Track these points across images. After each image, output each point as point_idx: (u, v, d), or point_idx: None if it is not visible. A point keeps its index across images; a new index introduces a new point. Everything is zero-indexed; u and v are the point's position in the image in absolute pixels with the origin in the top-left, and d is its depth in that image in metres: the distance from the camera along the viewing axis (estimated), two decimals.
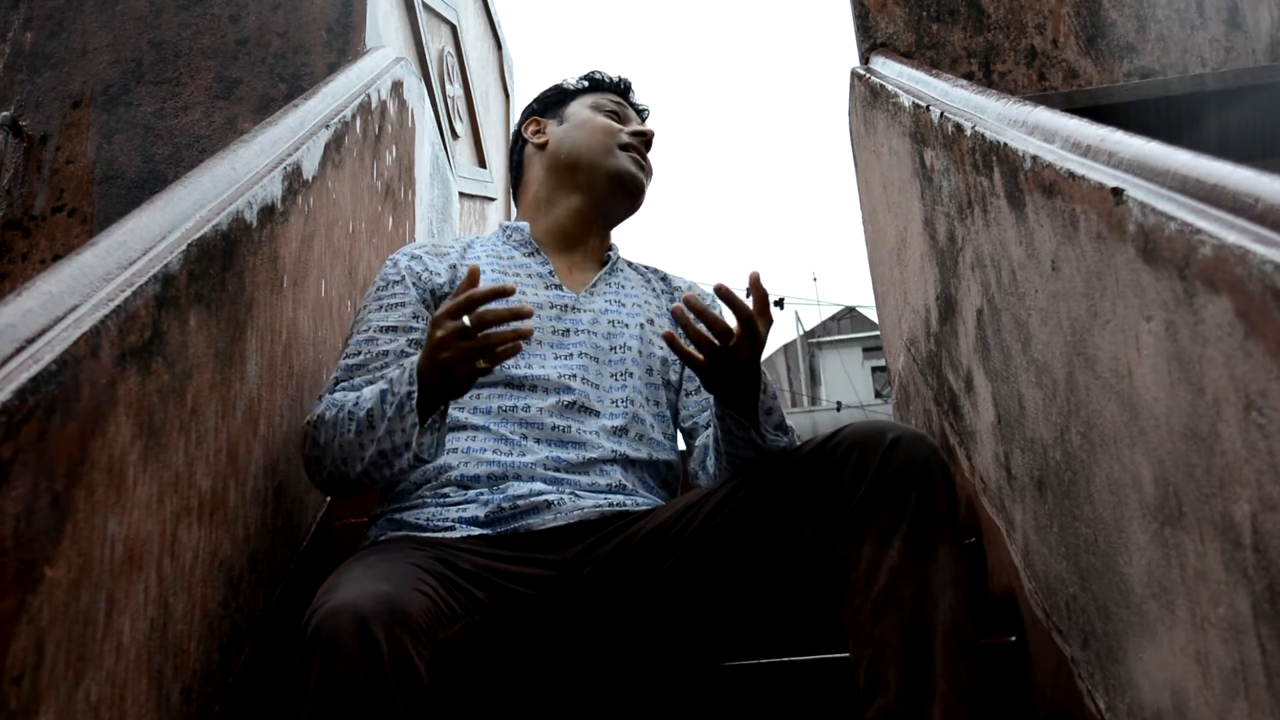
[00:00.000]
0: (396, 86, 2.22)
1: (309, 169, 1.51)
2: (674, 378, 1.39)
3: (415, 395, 1.09)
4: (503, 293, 1.05)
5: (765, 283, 1.10)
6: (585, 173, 1.45)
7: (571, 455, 1.22)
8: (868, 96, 2.01)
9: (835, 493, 1.05)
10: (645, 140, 1.49)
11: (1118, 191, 0.78)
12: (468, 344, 1.05)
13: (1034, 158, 0.98)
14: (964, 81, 1.51)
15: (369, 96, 1.95)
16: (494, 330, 1.05)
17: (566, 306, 1.36)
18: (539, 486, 1.18)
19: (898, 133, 1.71)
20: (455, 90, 3.29)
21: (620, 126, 1.48)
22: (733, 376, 1.09)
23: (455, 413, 1.26)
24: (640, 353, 1.36)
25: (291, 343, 1.41)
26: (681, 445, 1.41)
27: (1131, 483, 0.79)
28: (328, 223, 1.62)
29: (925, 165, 1.51)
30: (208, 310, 1.08)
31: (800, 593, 1.22)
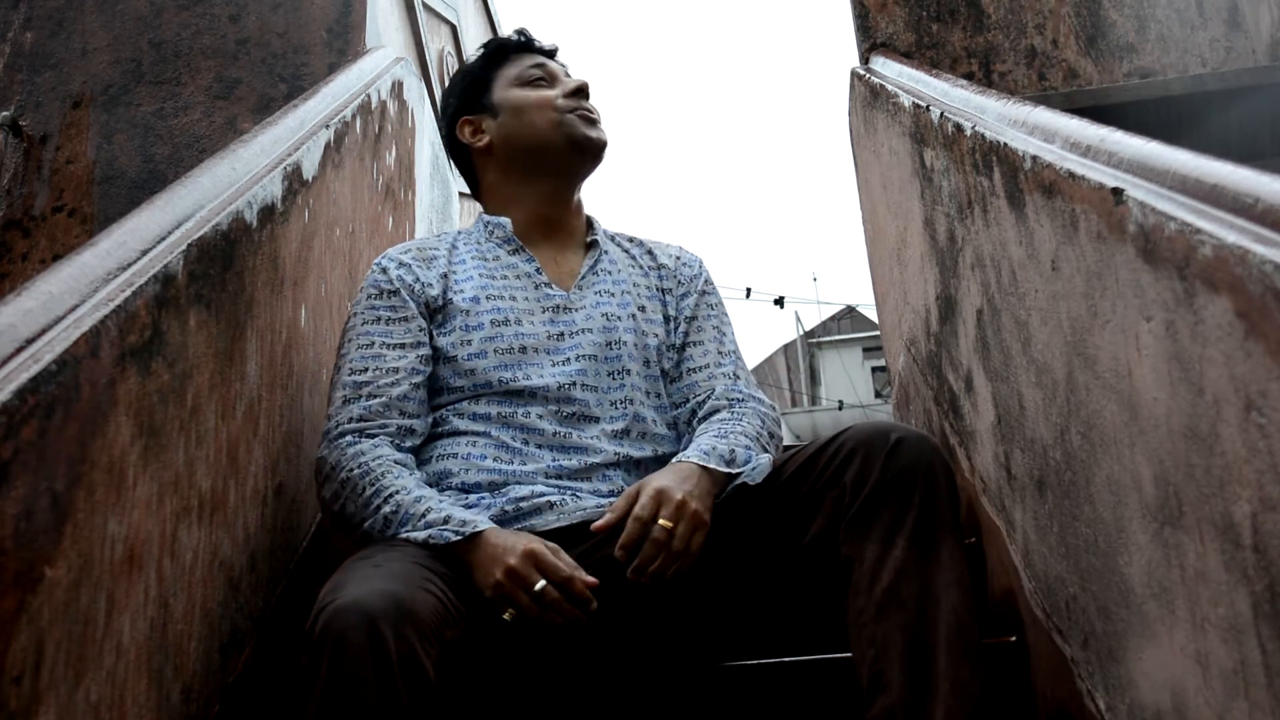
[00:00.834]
0: (396, 86, 2.22)
1: (309, 169, 1.51)
2: (667, 365, 1.36)
3: (445, 540, 1.08)
4: (589, 593, 1.04)
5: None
6: (545, 155, 1.41)
7: (573, 461, 1.22)
8: (868, 96, 2.00)
9: (839, 493, 1.05)
10: (584, 92, 1.43)
11: (1118, 191, 0.78)
12: (525, 595, 1.03)
13: (1034, 158, 0.98)
14: (964, 81, 1.51)
15: (369, 97, 1.95)
16: (549, 595, 1.03)
17: (559, 307, 1.33)
18: (541, 489, 1.18)
19: (898, 133, 1.71)
20: None
21: (555, 92, 1.42)
22: (689, 539, 1.08)
23: (455, 420, 1.25)
24: (636, 345, 1.33)
25: (291, 343, 1.41)
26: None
27: (1131, 483, 0.79)
28: (328, 223, 1.62)
29: (925, 165, 1.51)
30: (208, 310, 1.08)
31: (803, 593, 1.23)
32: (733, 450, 1.17)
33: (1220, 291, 0.62)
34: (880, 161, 1.92)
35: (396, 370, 1.25)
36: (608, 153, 1.45)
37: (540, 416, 1.24)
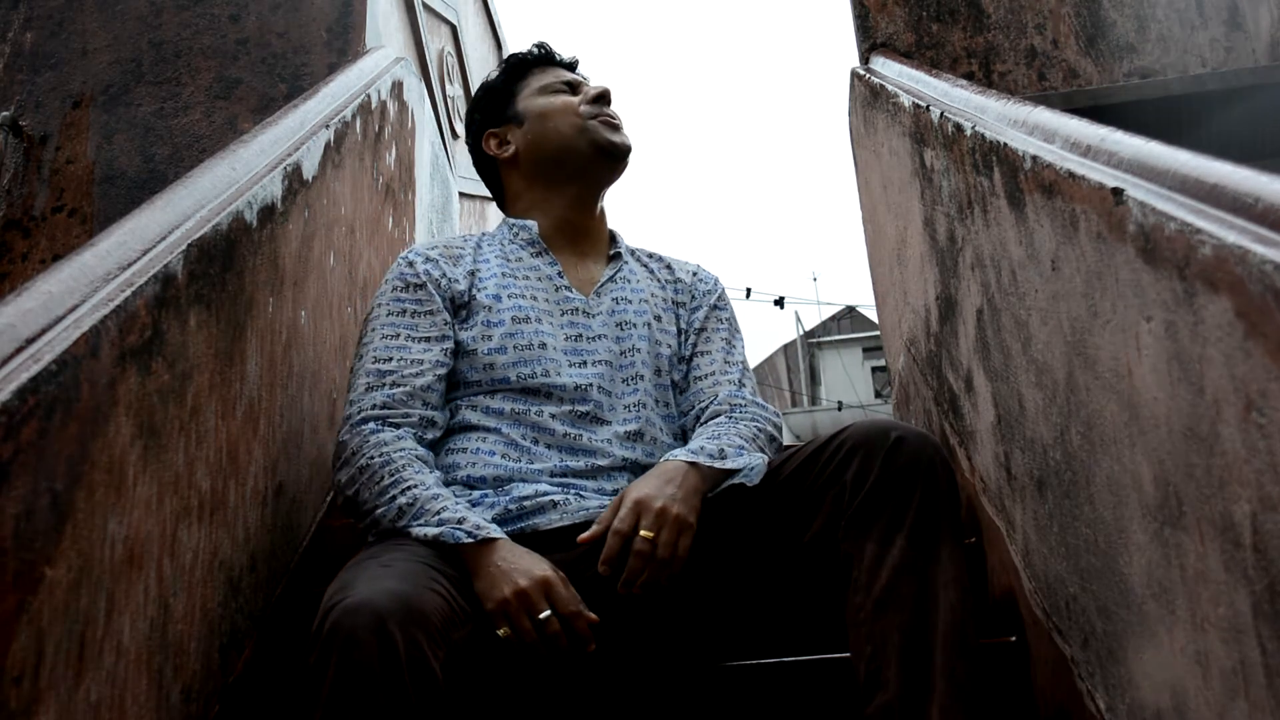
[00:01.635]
0: (396, 86, 2.22)
1: (309, 169, 1.51)
2: (677, 377, 1.38)
3: (455, 540, 1.07)
4: (590, 633, 1.05)
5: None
6: (570, 161, 1.42)
7: (580, 463, 1.22)
8: (868, 96, 2.00)
9: (839, 491, 1.05)
10: (606, 99, 1.46)
11: (1118, 191, 0.78)
12: (528, 620, 1.03)
13: (1034, 158, 0.98)
14: (964, 81, 1.51)
15: (369, 96, 1.95)
16: (551, 627, 1.03)
17: (577, 310, 1.35)
18: (544, 488, 1.18)
19: (898, 133, 1.71)
20: (455, 90, 3.29)
21: (576, 99, 1.45)
22: (675, 547, 1.08)
23: (468, 413, 1.26)
24: (649, 353, 1.35)
25: (291, 343, 1.41)
26: None
27: (1131, 483, 0.79)
28: (328, 223, 1.62)
29: (925, 165, 1.51)
30: (208, 310, 1.08)
31: (804, 592, 1.23)
32: (722, 449, 1.17)
33: (1220, 291, 0.62)
34: (880, 161, 1.92)
35: (421, 362, 1.25)
36: (631, 159, 1.47)
37: (553, 416, 1.24)
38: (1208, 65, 2.06)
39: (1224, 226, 0.63)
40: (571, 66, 1.53)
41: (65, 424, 0.76)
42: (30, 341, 0.76)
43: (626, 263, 1.46)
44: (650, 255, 1.52)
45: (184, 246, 1.02)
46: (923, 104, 1.51)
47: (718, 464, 1.15)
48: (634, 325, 1.37)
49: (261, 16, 2.21)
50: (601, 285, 1.40)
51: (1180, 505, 0.71)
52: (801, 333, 19.91)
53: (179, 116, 2.14)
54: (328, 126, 1.64)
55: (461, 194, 3.17)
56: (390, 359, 1.26)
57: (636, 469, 1.25)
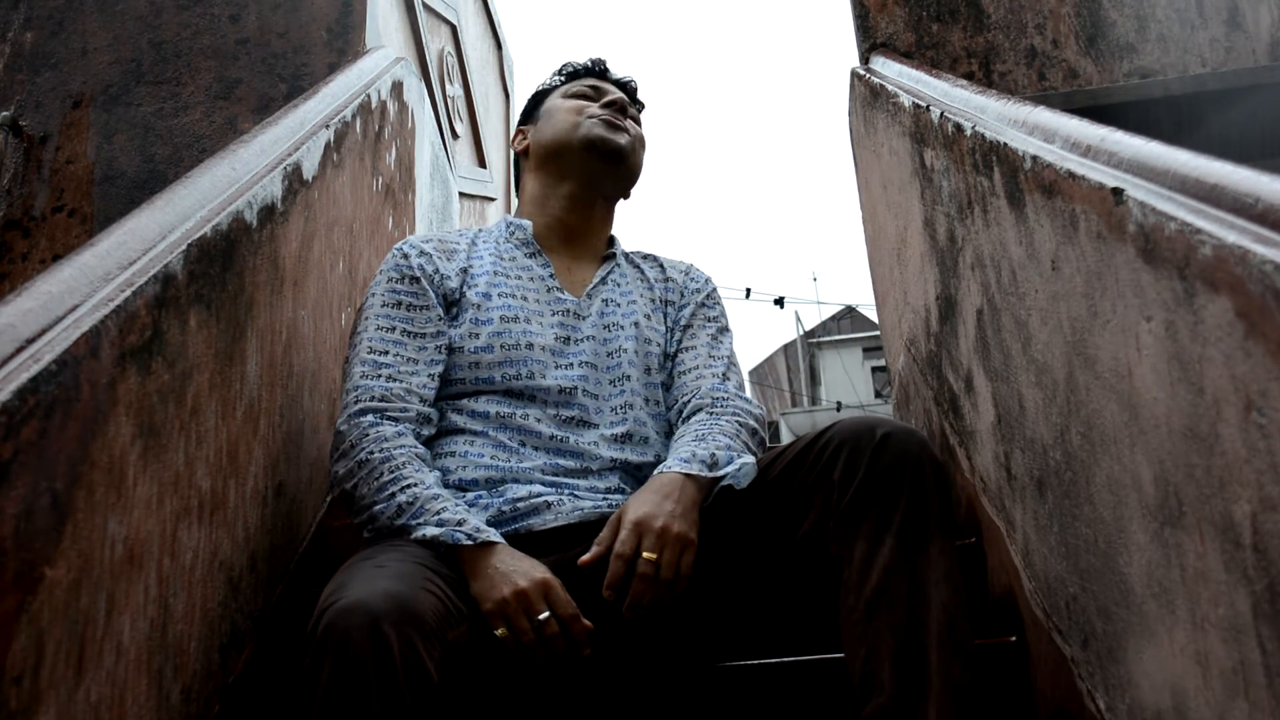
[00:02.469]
0: (396, 87, 2.22)
1: (309, 169, 1.51)
2: (664, 377, 1.38)
3: (455, 541, 1.07)
4: (586, 638, 1.04)
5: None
6: (563, 155, 1.42)
7: (570, 463, 1.22)
8: (868, 96, 2.00)
9: (827, 491, 1.05)
10: (616, 106, 1.44)
11: (1118, 191, 0.78)
12: (526, 621, 1.02)
13: (1034, 158, 0.98)
14: (964, 81, 1.51)
15: (369, 97, 1.95)
16: (549, 628, 1.03)
17: (568, 312, 1.35)
18: (538, 489, 1.18)
19: (898, 133, 1.71)
20: (455, 90, 3.29)
21: (591, 102, 1.45)
22: (676, 567, 1.07)
23: (454, 416, 1.25)
24: (637, 352, 1.35)
25: (291, 343, 1.41)
26: None
27: (1131, 483, 0.79)
28: (328, 223, 1.62)
29: (925, 165, 1.51)
30: (208, 310, 1.08)
31: (798, 591, 1.23)
32: (713, 454, 1.16)
33: (1220, 291, 0.62)
34: (880, 161, 1.92)
35: (416, 361, 1.26)
36: (634, 169, 1.45)
37: (539, 420, 1.24)
38: (1208, 65, 2.06)
39: (1224, 226, 0.63)
40: (621, 84, 1.52)
41: (65, 424, 0.76)
42: (30, 341, 0.76)
43: (619, 264, 1.46)
44: (644, 256, 1.52)
45: (184, 246, 1.02)
46: (923, 104, 1.51)
47: (713, 474, 1.14)
48: (620, 326, 1.36)
49: (261, 16, 2.21)
50: (593, 287, 1.40)
51: (1180, 505, 0.71)
52: (801, 333, 19.91)
53: (179, 116, 2.14)
54: (328, 126, 1.64)
55: (461, 194, 3.17)
56: (386, 351, 1.25)
57: (628, 467, 1.25)
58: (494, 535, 1.09)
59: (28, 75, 2.21)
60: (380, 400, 1.21)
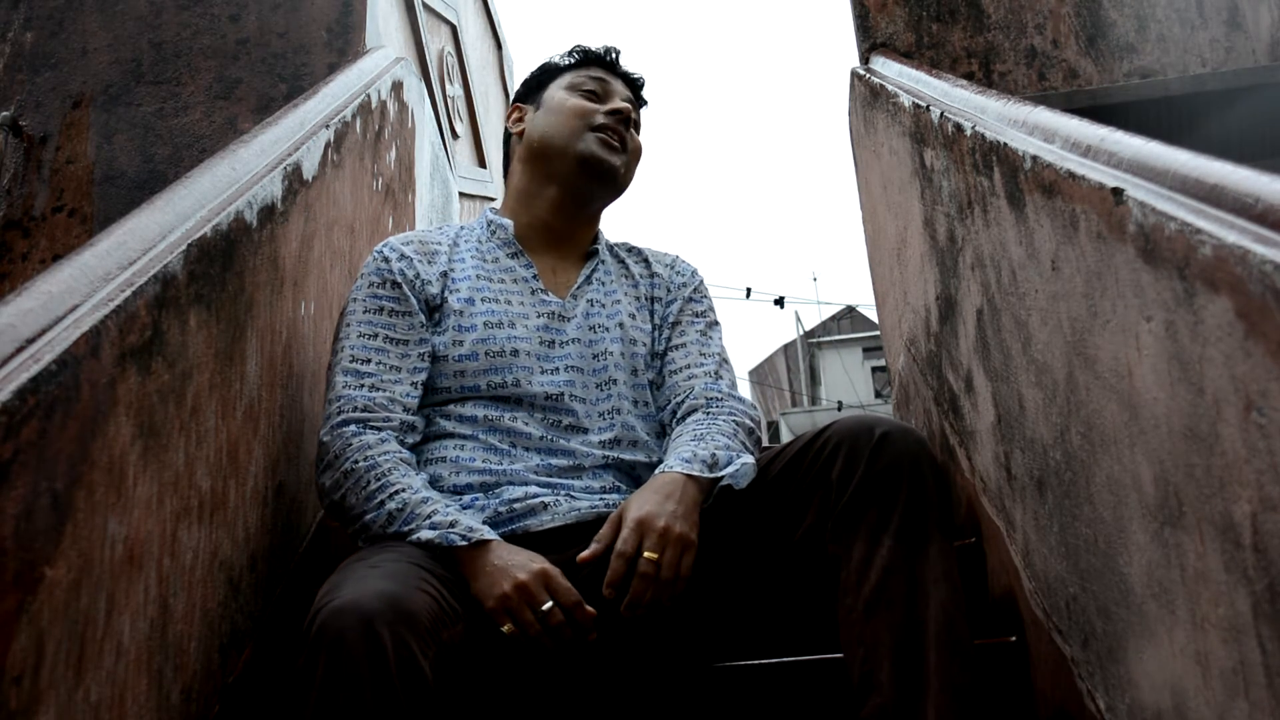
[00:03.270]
0: (396, 87, 2.22)
1: (309, 169, 1.51)
2: (653, 375, 1.36)
3: (450, 544, 1.07)
4: (591, 624, 1.04)
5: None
6: (557, 160, 1.38)
7: (563, 461, 1.22)
8: (868, 96, 2.00)
9: (825, 491, 1.05)
10: (622, 118, 1.40)
11: (1118, 191, 0.78)
12: (530, 612, 1.03)
13: (1034, 158, 0.98)
14: (964, 81, 1.51)
15: (369, 97, 1.95)
16: (554, 618, 1.03)
17: (553, 314, 1.33)
18: (533, 489, 1.18)
19: (898, 133, 1.71)
20: (455, 90, 3.29)
21: (596, 106, 1.39)
22: (677, 568, 1.07)
23: (442, 422, 1.25)
24: (623, 354, 1.33)
25: (291, 343, 1.41)
26: None
27: (1131, 483, 0.79)
28: (328, 223, 1.62)
29: (925, 165, 1.50)
30: (208, 310, 1.08)
31: (797, 590, 1.23)
32: (714, 454, 1.15)
33: (1220, 291, 0.62)
34: (880, 161, 1.92)
35: (399, 369, 1.24)
36: (624, 185, 1.42)
37: (527, 423, 1.23)
38: (1208, 65, 2.06)
39: (1224, 226, 0.63)
40: (629, 80, 1.47)
41: (65, 424, 0.76)
42: (30, 341, 0.76)
43: (603, 261, 1.43)
44: (629, 250, 1.49)
45: (184, 246, 1.02)
46: (923, 104, 1.51)
47: (713, 475, 1.14)
48: (606, 328, 1.34)
49: (261, 16, 2.21)
50: (577, 287, 1.38)
51: (1180, 505, 0.71)
52: (801, 333, 19.91)
53: (179, 116, 2.14)
54: (328, 126, 1.64)
55: (461, 194, 3.17)
56: (369, 360, 1.24)
57: (621, 465, 1.25)
58: (487, 533, 1.09)
59: (28, 75, 2.21)
60: (363, 410, 1.20)
